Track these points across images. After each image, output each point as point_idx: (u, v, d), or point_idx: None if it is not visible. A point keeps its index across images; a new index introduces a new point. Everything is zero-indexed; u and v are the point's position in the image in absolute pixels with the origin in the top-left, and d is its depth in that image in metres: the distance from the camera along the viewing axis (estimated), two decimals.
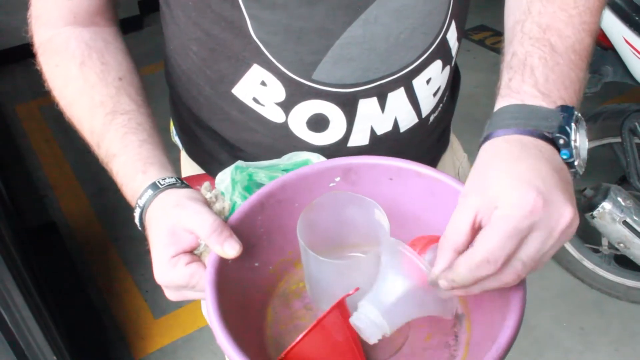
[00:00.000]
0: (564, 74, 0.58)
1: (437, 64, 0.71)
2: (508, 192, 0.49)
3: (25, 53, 3.07)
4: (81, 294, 2.04)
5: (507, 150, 0.53)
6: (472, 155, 1.08)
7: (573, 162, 0.53)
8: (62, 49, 0.69)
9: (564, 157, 0.53)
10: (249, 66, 0.67)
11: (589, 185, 1.73)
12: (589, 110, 1.79)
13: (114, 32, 0.73)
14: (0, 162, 2.53)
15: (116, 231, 2.25)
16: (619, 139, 1.69)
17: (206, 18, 0.67)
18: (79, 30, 0.69)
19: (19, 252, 1.48)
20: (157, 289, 0.58)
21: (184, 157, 0.88)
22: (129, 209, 0.64)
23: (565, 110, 0.55)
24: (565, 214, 0.48)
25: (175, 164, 0.71)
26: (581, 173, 0.55)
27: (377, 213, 0.58)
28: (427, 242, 0.54)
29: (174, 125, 0.89)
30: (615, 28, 1.60)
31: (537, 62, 0.58)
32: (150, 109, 0.69)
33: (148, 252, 0.58)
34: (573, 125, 0.54)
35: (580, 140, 0.55)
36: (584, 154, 0.55)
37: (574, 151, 0.53)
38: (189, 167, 0.87)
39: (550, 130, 0.53)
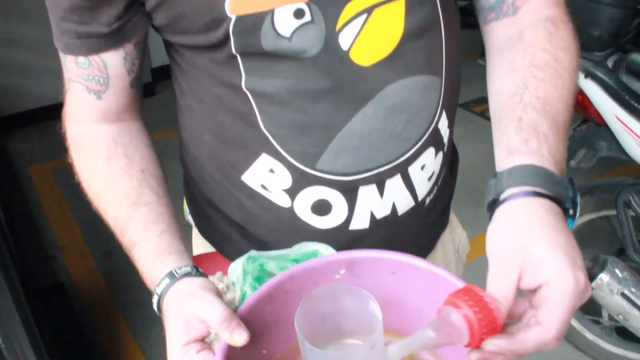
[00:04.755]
0: (563, 145, 0.65)
1: (430, 151, 0.77)
2: (558, 268, 0.54)
3: (41, 116, 3.19)
4: (86, 355, 2.05)
5: (543, 215, 0.58)
6: (473, 225, 1.13)
7: None
8: (91, 145, 0.75)
9: (569, 226, 0.60)
10: (258, 155, 0.73)
11: (587, 256, 1.76)
12: (585, 183, 1.85)
13: (139, 125, 0.80)
14: (12, 222, 2.58)
15: (122, 294, 2.27)
16: (615, 212, 1.73)
17: (220, 111, 0.73)
18: (107, 127, 0.76)
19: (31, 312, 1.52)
20: (161, 354, 0.62)
21: (196, 235, 0.93)
22: (136, 273, 0.69)
23: (571, 183, 0.62)
24: (585, 280, 0.55)
25: (187, 239, 0.76)
26: None
27: (372, 304, 0.61)
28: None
29: (187, 204, 0.94)
30: (608, 107, 1.68)
31: (548, 130, 0.64)
32: (170, 199, 0.75)
33: (153, 318, 0.62)
34: (579, 199, 0.61)
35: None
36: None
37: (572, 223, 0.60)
38: (201, 244, 0.91)
39: (564, 199, 0.60)
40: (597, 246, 1.96)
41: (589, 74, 1.70)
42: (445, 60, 0.74)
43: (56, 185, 2.93)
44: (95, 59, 0.71)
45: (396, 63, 0.69)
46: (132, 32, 0.71)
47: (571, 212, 0.61)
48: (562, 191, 0.61)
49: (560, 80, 0.69)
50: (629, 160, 1.74)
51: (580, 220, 1.82)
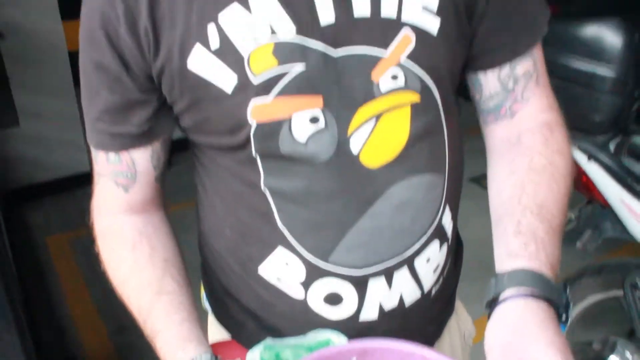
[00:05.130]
0: (557, 249, 0.70)
1: (435, 244, 0.81)
2: None
3: (58, 187, 3.23)
4: None
5: (540, 316, 0.62)
6: (481, 303, 1.12)
7: None
8: (118, 235, 0.81)
9: (562, 330, 0.63)
10: (274, 248, 0.78)
11: (597, 337, 1.75)
12: (593, 263, 1.87)
13: (161, 216, 0.85)
14: (27, 294, 2.60)
15: None
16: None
17: (240, 207, 0.79)
18: (132, 218, 0.81)
19: None
20: None
21: (212, 322, 0.96)
22: (148, 350, 0.73)
23: (564, 289, 0.66)
24: None
25: (203, 325, 0.79)
26: None
27: None
28: None
29: (205, 291, 0.98)
30: (611, 190, 1.72)
31: (545, 236, 0.69)
32: (190, 287, 0.80)
33: None
34: (571, 305, 0.65)
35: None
36: None
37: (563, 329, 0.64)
38: (217, 331, 0.94)
39: (558, 304, 0.65)
40: (607, 327, 1.95)
41: (591, 157, 1.75)
42: (448, 159, 0.79)
43: (72, 256, 2.97)
44: (124, 155, 0.78)
45: (402, 164, 0.74)
46: (161, 132, 0.78)
47: (563, 317, 0.65)
48: (556, 296, 0.65)
49: (556, 185, 0.74)
50: (633, 241, 1.77)
51: (589, 300, 1.83)
